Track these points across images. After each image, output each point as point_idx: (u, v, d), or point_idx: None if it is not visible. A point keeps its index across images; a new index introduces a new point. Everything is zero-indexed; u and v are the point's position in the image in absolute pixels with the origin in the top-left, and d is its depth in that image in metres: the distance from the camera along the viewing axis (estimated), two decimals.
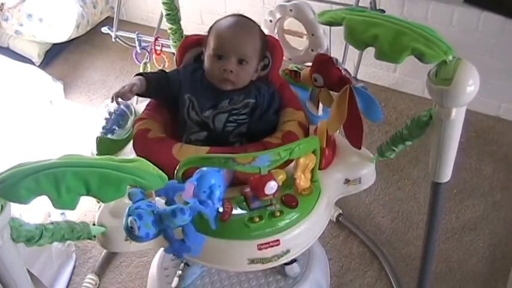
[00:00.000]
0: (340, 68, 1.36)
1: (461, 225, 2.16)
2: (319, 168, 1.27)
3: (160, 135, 1.37)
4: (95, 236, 1.19)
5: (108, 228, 1.20)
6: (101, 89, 3.03)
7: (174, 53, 2.01)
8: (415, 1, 2.46)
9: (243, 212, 1.19)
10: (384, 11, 2.25)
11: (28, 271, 1.12)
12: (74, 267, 2.08)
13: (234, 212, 1.18)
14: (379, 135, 2.50)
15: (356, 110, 1.27)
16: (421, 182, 2.30)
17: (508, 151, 2.45)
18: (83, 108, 2.90)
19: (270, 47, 1.50)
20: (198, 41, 1.55)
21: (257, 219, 1.17)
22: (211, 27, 1.46)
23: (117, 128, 1.49)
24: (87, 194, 0.89)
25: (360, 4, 2.25)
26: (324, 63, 1.38)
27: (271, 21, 1.72)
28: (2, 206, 0.89)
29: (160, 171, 0.96)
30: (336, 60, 1.37)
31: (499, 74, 2.38)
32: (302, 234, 1.22)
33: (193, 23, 3.11)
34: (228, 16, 1.47)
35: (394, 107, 2.68)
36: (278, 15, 1.69)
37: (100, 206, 1.28)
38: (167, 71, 1.52)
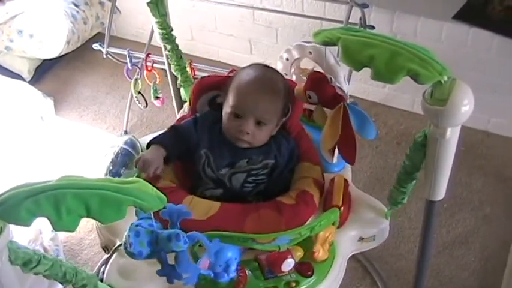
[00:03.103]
0: (334, 85, 1.37)
1: (452, 239, 2.17)
2: None
3: (170, 184, 1.31)
4: None
5: None
6: (91, 105, 3.02)
7: (165, 69, 2.01)
8: (404, 17, 2.48)
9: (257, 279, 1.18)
10: (373, 27, 2.27)
11: None
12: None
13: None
14: (370, 150, 2.52)
15: (349, 128, 1.28)
16: (411, 196, 2.29)
17: (497, 165, 2.47)
18: (74, 125, 2.89)
19: (290, 93, 1.41)
20: (213, 85, 1.49)
21: None
22: (234, 77, 1.38)
23: (124, 169, 1.43)
24: (88, 216, 0.88)
25: (349, 20, 2.27)
26: (318, 81, 1.38)
27: (287, 59, 1.63)
28: (1, 228, 0.88)
29: (159, 192, 0.95)
30: (330, 78, 1.38)
31: (488, 89, 2.41)
32: None
33: (184, 39, 3.07)
34: (251, 68, 1.39)
35: (384, 121, 2.69)
36: (296, 55, 1.60)
37: (106, 258, 1.26)
38: (180, 122, 1.46)
